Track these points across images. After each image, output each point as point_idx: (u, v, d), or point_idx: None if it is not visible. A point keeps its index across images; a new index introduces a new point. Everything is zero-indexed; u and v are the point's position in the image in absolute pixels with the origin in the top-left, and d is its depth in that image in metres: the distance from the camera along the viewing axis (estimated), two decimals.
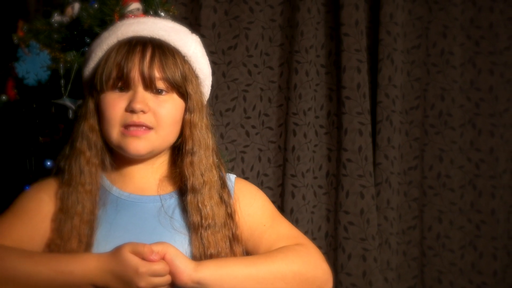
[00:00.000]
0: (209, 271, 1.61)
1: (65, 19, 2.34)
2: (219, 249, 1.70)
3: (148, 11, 2.31)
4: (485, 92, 3.67)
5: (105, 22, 2.24)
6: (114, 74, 1.68)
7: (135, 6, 2.28)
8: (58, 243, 1.68)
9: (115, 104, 1.68)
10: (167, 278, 1.58)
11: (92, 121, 1.73)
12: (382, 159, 3.49)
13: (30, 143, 2.26)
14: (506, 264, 3.72)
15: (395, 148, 3.51)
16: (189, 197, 1.72)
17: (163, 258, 1.57)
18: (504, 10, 3.66)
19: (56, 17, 2.35)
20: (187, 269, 1.59)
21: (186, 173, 1.73)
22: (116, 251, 1.57)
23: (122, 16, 2.24)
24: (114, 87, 1.69)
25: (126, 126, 1.67)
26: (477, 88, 3.67)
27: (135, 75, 1.67)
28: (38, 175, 2.19)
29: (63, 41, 2.32)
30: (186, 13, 3.47)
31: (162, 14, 2.33)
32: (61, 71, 2.23)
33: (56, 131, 2.25)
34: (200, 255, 1.68)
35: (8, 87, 2.36)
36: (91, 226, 1.69)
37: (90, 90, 1.74)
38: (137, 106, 1.65)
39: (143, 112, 1.66)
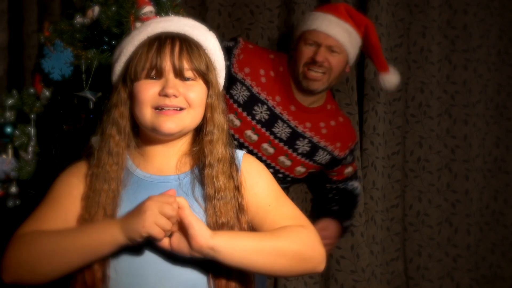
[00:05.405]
0: (223, 239, 1.63)
1: (86, 20, 2.34)
2: (228, 218, 1.72)
3: (160, 14, 2.31)
4: (459, 85, 3.67)
5: (122, 23, 2.24)
6: (148, 64, 1.71)
7: (148, 9, 2.28)
8: (86, 218, 1.70)
9: (149, 88, 1.71)
10: (170, 224, 1.60)
11: (123, 108, 1.75)
12: (368, 145, 3.49)
13: (55, 131, 2.26)
14: (479, 238, 3.73)
15: (379, 135, 3.51)
16: (207, 171, 1.74)
17: (182, 218, 1.60)
18: (477, 12, 3.66)
19: (78, 19, 2.35)
20: (205, 235, 1.60)
21: (206, 151, 1.76)
22: (140, 203, 1.61)
23: (137, 18, 2.24)
24: (147, 76, 1.72)
25: (159, 108, 1.70)
26: (452, 82, 3.67)
27: (167, 65, 1.71)
28: (62, 159, 2.20)
29: (84, 40, 2.32)
30: (194, 15, 3.46)
31: (173, 16, 2.33)
32: (83, 67, 2.23)
33: (78, 120, 2.25)
34: (214, 224, 1.70)
35: (36, 81, 2.36)
36: (115, 201, 1.71)
37: (123, 81, 1.76)
38: (170, 91, 1.68)
39: (175, 96, 1.70)
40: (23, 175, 2.24)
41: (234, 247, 1.64)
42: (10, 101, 2.30)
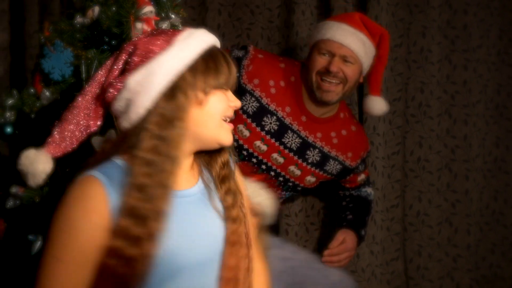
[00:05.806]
0: None
1: (86, 20, 2.34)
2: (238, 210, 1.78)
3: (160, 14, 2.31)
4: (459, 85, 3.66)
5: (122, 23, 2.24)
6: (225, 76, 1.69)
7: (148, 9, 2.27)
8: (120, 246, 1.55)
9: (223, 101, 1.70)
10: None
11: (183, 114, 1.63)
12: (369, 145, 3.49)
13: None
14: (479, 238, 3.73)
15: (380, 135, 3.51)
16: (228, 182, 1.80)
17: None
18: (477, 12, 3.65)
19: (78, 19, 2.35)
20: None
21: (221, 161, 1.81)
22: None
23: (137, 18, 2.23)
24: (219, 88, 1.69)
25: (226, 120, 1.72)
26: (452, 82, 3.66)
27: (233, 80, 1.73)
28: (62, 159, 2.19)
29: (84, 40, 2.32)
30: (194, 15, 3.47)
31: (173, 16, 2.32)
32: (83, 67, 2.23)
33: None
34: (228, 217, 1.75)
35: (36, 81, 2.36)
36: (161, 225, 1.58)
37: (186, 90, 1.64)
38: (239, 103, 1.74)
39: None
40: None
41: None
42: (10, 101, 2.29)
